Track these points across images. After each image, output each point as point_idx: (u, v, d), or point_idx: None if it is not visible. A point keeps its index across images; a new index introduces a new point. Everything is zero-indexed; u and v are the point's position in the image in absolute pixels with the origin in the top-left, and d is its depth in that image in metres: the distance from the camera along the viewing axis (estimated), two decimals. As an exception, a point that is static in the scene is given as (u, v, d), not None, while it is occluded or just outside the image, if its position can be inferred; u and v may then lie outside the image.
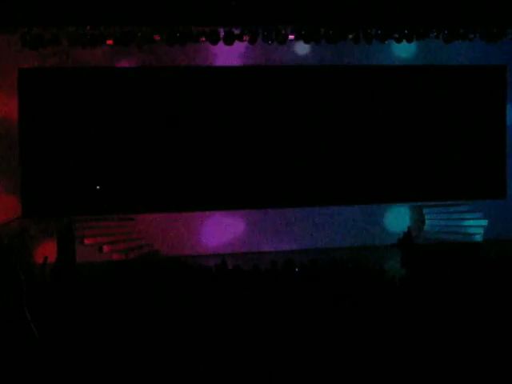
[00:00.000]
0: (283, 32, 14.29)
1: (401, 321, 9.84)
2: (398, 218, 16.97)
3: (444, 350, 8.73)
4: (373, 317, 9.95)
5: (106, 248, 15.51)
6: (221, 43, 14.31)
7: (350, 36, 14.64)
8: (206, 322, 9.80)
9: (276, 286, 11.59)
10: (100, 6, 13.09)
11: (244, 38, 14.29)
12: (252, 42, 14.35)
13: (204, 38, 14.23)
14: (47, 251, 13.81)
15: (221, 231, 16.44)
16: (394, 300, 10.77)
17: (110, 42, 14.17)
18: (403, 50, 16.34)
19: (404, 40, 14.86)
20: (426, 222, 17.15)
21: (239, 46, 14.97)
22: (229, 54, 15.55)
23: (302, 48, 15.91)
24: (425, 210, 17.28)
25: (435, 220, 17.21)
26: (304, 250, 16.13)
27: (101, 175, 15.49)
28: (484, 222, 17.25)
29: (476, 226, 17.29)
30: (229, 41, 14.13)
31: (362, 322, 9.75)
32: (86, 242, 15.39)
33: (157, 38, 14.10)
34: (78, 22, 13.61)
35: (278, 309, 10.30)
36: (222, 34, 14.11)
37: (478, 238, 16.95)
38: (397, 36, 14.81)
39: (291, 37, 14.56)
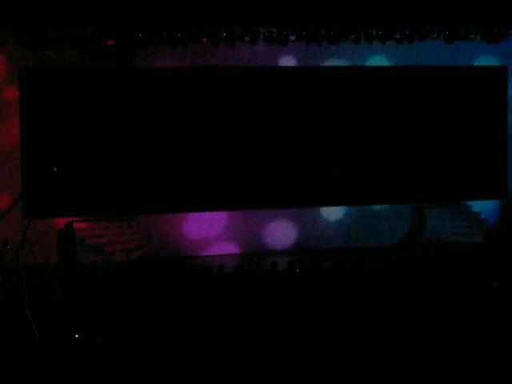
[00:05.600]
0: (284, 33, 14.29)
1: (401, 321, 9.84)
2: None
3: (443, 350, 8.74)
4: (372, 317, 9.96)
5: (106, 249, 15.52)
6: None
7: (351, 36, 14.64)
8: (206, 321, 9.80)
9: (277, 286, 11.59)
10: (102, 7, 13.09)
11: (245, 39, 14.30)
12: (253, 42, 14.36)
13: (205, 39, 14.24)
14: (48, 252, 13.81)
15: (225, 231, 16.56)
16: (394, 300, 10.78)
17: (110, 42, 14.16)
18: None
19: (405, 41, 14.87)
20: (427, 222, 17.16)
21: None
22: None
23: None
24: (426, 211, 17.29)
25: (436, 220, 17.21)
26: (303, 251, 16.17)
27: (102, 176, 15.47)
28: (485, 223, 17.25)
29: (477, 226, 17.29)
30: (230, 42, 14.14)
31: (361, 321, 9.76)
32: (87, 242, 15.39)
33: (159, 39, 14.11)
34: (79, 22, 13.61)
35: (278, 308, 10.30)
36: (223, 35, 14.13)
37: (479, 238, 16.94)
38: (398, 37, 14.81)
39: (292, 37, 14.56)
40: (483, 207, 17.54)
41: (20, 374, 8.21)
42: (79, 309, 10.39)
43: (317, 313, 10.09)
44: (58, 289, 9.79)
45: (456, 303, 10.42)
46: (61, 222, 15.00)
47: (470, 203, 17.63)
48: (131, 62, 15.66)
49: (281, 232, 16.73)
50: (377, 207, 17.18)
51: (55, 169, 14.70)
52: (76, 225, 15.00)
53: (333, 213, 17.07)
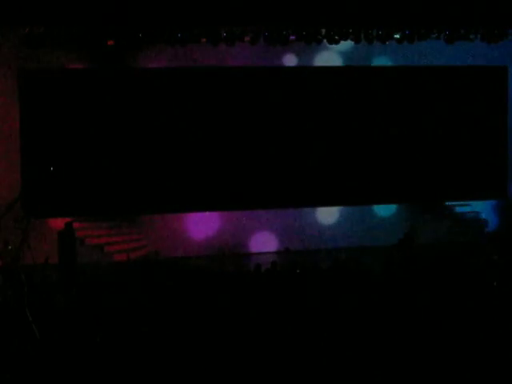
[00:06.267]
0: (284, 33, 14.28)
1: (400, 321, 9.84)
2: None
3: (443, 350, 8.73)
4: (371, 316, 9.96)
5: (107, 249, 15.51)
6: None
7: (352, 36, 14.64)
8: (207, 321, 9.80)
9: (276, 286, 11.59)
10: (101, 7, 13.09)
11: (245, 39, 14.29)
12: (253, 42, 14.35)
13: (205, 39, 14.23)
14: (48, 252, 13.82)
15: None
16: (394, 300, 10.78)
17: (110, 42, 14.15)
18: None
19: (405, 41, 14.87)
20: (427, 222, 17.16)
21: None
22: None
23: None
24: (426, 211, 17.29)
25: (436, 220, 17.21)
26: (303, 251, 16.14)
27: (102, 176, 15.47)
28: (485, 223, 17.25)
29: (477, 226, 17.29)
30: (230, 42, 14.12)
31: (361, 321, 9.76)
32: (87, 242, 15.39)
33: (159, 38, 14.09)
34: (79, 22, 13.59)
35: (278, 308, 10.30)
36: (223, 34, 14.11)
37: (479, 238, 16.95)
38: (398, 37, 14.81)
39: (292, 37, 14.55)
40: (483, 207, 17.56)
41: (20, 373, 8.21)
42: (79, 309, 10.39)
43: (316, 312, 10.09)
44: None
45: (456, 303, 10.41)
46: (61, 221, 14.98)
47: (470, 203, 17.63)
48: (131, 63, 15.68)
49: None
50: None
51: (52, 168, 14.70)
52: (76, 225, 14.99)
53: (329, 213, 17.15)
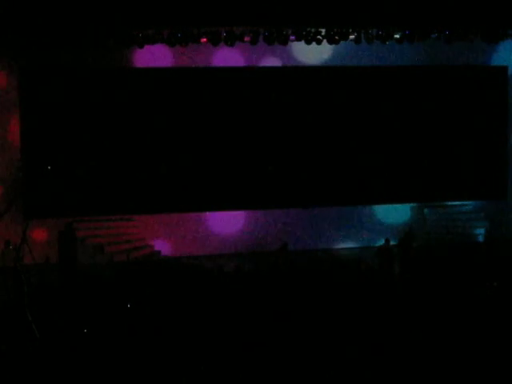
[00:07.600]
0: (284, 33, 14.28)
1: (400, 320, 9.86)
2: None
3: (442, 350, 8.74)
4: (372, 315, 9.97)
5: (107, 249, 15.51)
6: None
7: (352, 36, 14.64)
8: (205, 321, 9.81)
9: (277, 285, 11.60)
10: (101, 7, 13.11)
11: (245, 39, 14.29)
12: (253, 42, 14.35)
13: (205, 39, 14.23)
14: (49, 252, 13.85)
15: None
16: (394, 299, 10.79)
17: (110, 42, 14.13)
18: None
19: (405, 41, 14.85)
20: (427, 222, 17.16)
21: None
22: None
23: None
24: (426, 211, 17.29)
25: (436, 220, 17.21)
26: (303, 251, 16.15)
27: (102, 176, 15.49)
28: (485, 223, 17.25)
29: (477, 226, 17.28)
30: (230, 41, 14.12)
31: (361, 320, 9.76)
32: (87, 242, 15.39)
33: (159, 38, 14.10)
34: (79, 22, 13.61)
35: (278, 308, 10.31)
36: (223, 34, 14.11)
37: (479, 238, 16.96)
38: (398, 37, 14.80)
39: (292, 37, 14.55)
40: (483, 207, 17.55)
41: (20, 373, 8.22)
42: (79, 309, 10.40)
43: (315, 311, 10.11)
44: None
45: (456, 303, 10.42)
46: (61, 221, 15.01)
47: (470, 203, 17.63)
48: (132, 62, 15.69)
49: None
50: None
51: (49, 167, 14.70)
52: (76, 225, 15.02)
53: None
